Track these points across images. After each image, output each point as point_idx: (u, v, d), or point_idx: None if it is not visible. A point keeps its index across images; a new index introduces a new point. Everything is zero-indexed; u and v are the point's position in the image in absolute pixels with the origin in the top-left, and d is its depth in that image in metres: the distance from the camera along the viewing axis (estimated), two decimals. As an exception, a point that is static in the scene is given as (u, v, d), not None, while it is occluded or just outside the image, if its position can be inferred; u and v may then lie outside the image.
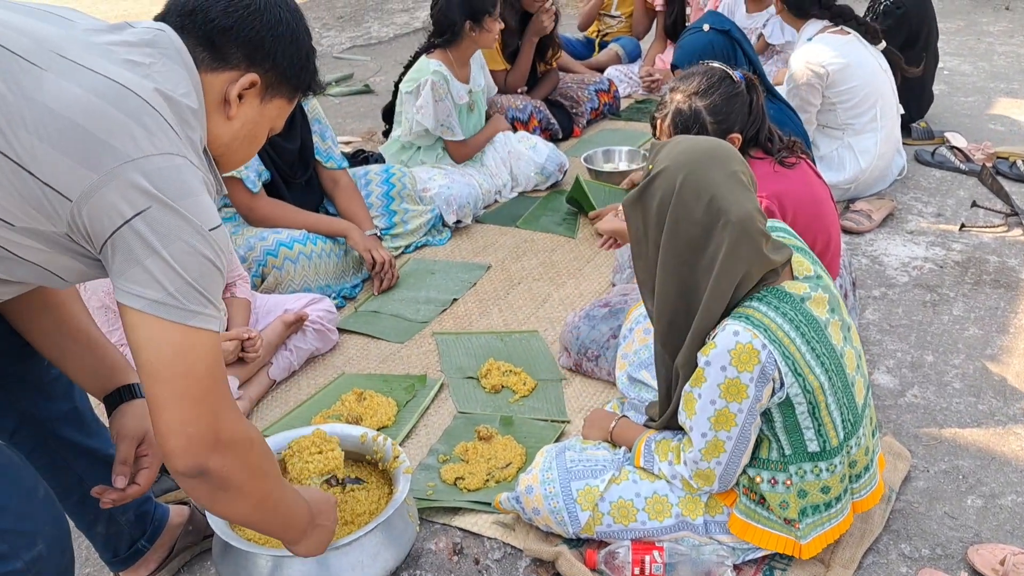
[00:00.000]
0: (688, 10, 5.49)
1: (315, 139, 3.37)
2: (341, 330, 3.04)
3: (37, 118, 1.21)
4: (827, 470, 1.89)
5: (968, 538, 2.12)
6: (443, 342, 3.01)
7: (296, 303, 2.90)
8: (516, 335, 3.02)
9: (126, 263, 1.26)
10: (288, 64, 1.49)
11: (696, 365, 1.86)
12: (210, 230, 1.30)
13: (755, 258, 1.79)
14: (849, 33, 3.79)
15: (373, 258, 3.27)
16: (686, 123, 2.39)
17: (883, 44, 3.88)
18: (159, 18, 1.44)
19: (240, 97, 1.45)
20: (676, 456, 1.97)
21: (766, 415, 1.87)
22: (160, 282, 1.26)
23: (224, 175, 1.53)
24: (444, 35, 3.85)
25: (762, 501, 1.92)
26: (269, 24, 1.45)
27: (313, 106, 3.38)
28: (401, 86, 3.95)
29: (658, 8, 5.48)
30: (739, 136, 2.42)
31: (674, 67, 3.19)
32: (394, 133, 4.09)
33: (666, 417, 2.03)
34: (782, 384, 1.81)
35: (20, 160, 1.21)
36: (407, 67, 4.01)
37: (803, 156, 2.55)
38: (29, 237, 1.27)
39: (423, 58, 3.91)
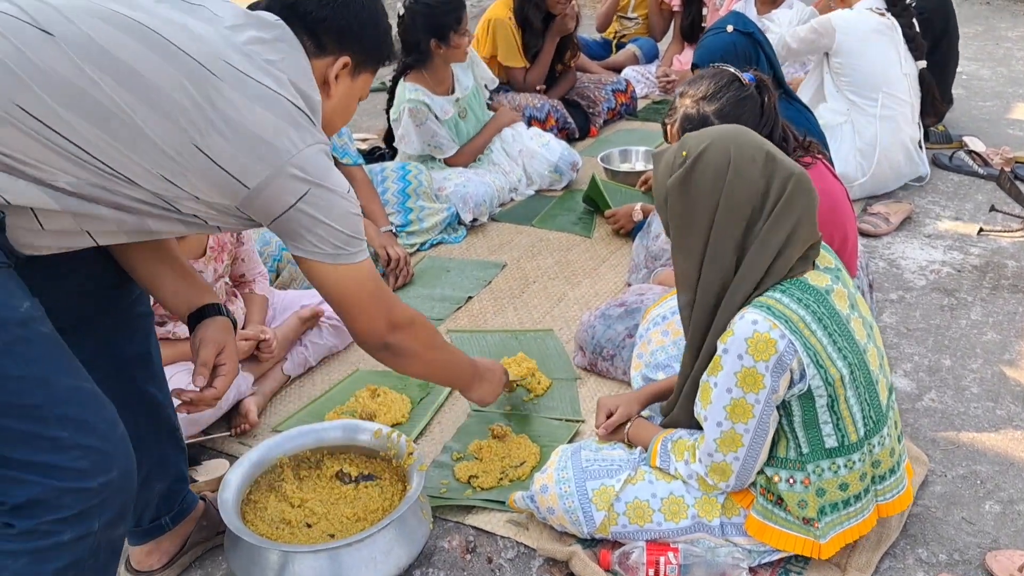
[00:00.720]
0: (704, 11, 5.47)
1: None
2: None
3: (222, 123, 1.50)
4: (845, 466, 1.87)
5: (986, 544, 2.10)
6: (458, 340, 3.00)
7: (312, 299, 2.89)
8: (531, 334, 3.01)
9: (300, 233, 1.64)
10: (372, 44, 1.81)
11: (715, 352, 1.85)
12: (347, 192, 1.68)
13: (806, 214, 1.81)
14: (887, 18, 3.85)
15: (388, 255, 3.27)
16: (695, 128, 2.36)
17: (923, 63, 3.96)
18: (264, 8, 1.71)
19: (336, 77, 1.76)
20: (692, 455, 1.96)
21: (785, 408, 1.85)
22: (332, 241, 1.66)
23: None
24: (411, 55, 3.77)
25: (779, 502, 1.91)
26: (355, 12, 1.76)
27: None
28: (390, 114, 3.93)
29: (675, 9, 5.47)
30: None
31: (694, 66, 3.18)
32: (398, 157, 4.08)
33: (679, 407, 2.01)
34: (802, 375, 1.79)
35: (212, 155, 1.51)
36: (390, 92, 3.94)
37: (819, 156, 2.53)
38: (208, 207, 1.58)
39: (401, 83, 3.84)
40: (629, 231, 3.57)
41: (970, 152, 4.34)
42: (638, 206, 3.53)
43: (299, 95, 1.60)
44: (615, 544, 2.07)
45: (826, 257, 1.93)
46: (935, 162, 4.31)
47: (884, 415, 1.92)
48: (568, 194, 4.11)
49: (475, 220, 3.80)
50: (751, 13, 5.14)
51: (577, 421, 2.56)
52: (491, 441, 2.45)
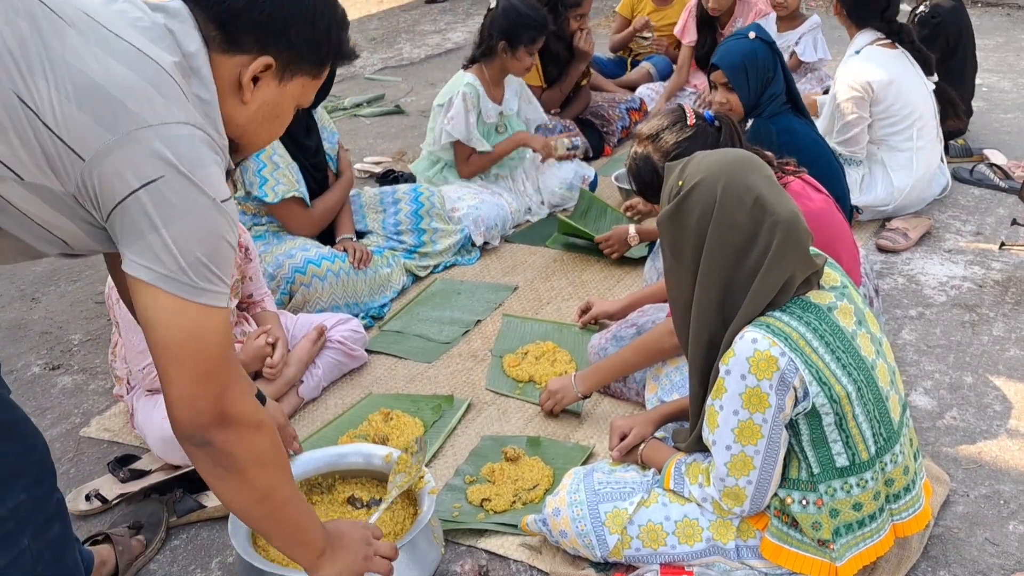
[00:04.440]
0: (720, 41, 5.39)
1: (325, 146, 3.40)
2: (368, 351, 3.03)
3: (57, 70, 1.20)
4: (858, 486, 1.83)
5: (1010, 566, 2.05)
6: (509, 324, 3.18)
7: (325, 321, 2.90)
8: (574, 329, 3.12)
9: (137, 232, 1.25)
10: (304, 44, 1.44)
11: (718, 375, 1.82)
12: (222, 202, 1.30)
13: (801, 259, 1.78)
14: (897, 48, 3.76)
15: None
16: (639, 172, 2.39)
17: (935, 77, 3.87)
18: None
19: (256, 79, 1.41)
20: (706, 478, 1.93)
21: (793, 428, 1.82)
22: (173, 254, 1.25)
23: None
24: (481, 47, 3.88)
25: (794, 523, 1.87)
26: (281, 5, 1.40)
27: (320, 115, 3.40)
28: (435, 100, 3.96)
29: (685, 42, 5.36)
30: None
31: (713, 67, 3.18)
32: (424, 147, 4.08)
33: (694, 437, 1.99)
34: (806, 393, 1.76)
35: (38, 109, 1.20)
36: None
37: (798, 174, 2.49)
38: (35, 194, 1.25)
39: (460, 72, 3.94)
40: (623, 255, 3.54)
41: (991, 165, 4.28)
42: (632, 229, 3.48)
43: (181, 74, 1.30)
44: (629, 568, 2.03)
45: (831, 275, 1.91)
46: (955, 176, 4.25)
47: (896, 432, 1.89)
48: (581, 210, 4.06)
49: (486, 243, 3.79)
50: (771, 30, 5.11)
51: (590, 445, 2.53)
52: (504, 464, 2.42)
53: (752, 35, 3.11)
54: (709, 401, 1.85)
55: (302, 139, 3.23)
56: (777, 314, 1.79)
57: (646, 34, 5.68)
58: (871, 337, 1.89)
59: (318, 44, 1.47)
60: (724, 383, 1.80)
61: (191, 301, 1.28)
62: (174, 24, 1.34)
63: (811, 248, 1.85)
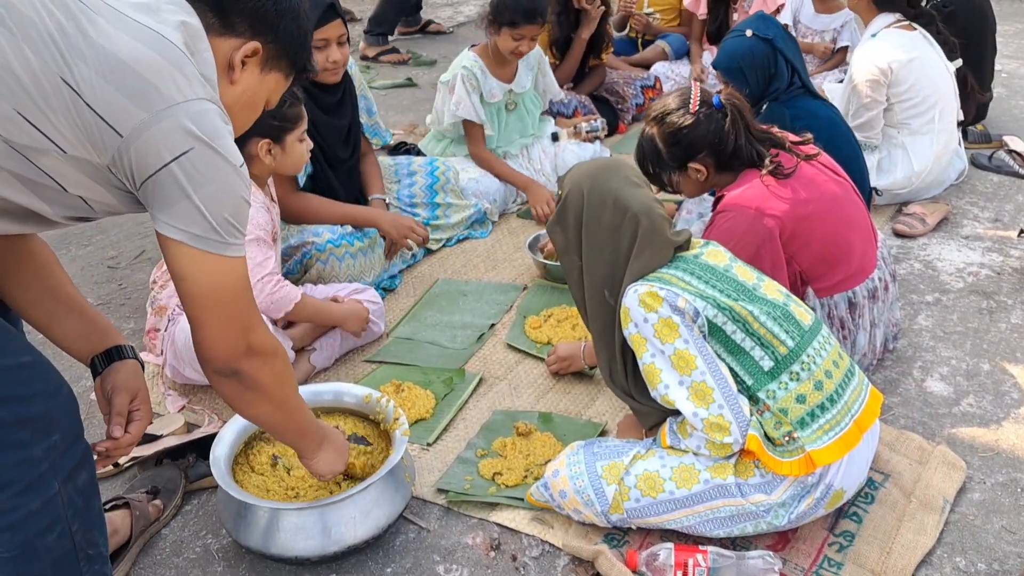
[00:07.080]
0: (735, 16, 5.32)
1: (362, 116, 3.34)
2: (381, 362, 2.87)
3: (94, 55, 1.30)
4: (792, 379, 1.94)
5: (1027, 553, 2.04)
6: (535, 289, 3.21)
7: (343, 292, 2.88)
8: None
9: (170, 199, 1.39)
10: (289, 38, 1.60)
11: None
12: (239, 166, 1.46)
13: (662, 241, 2.00)
14: (915, 29, 3.69)
15: (409, 243, 3.28)
16: (643, 151, 2.43)
17: (959, 61, 3.78)
18: None
19: (243, 63, 1.55)
20: (693, 427, 1.97)
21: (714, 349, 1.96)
22: (205, 217, 1.40)
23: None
24: (484, 23, 3.79)
25: (768, 439, 1.95)
26: None
27: (359, 81, 3.35)
28: (441, 79, 3.90)
29: (701, 17, 5.30)
30: (701, 166, 2.38)
31: (715, 66, 3.13)
32: (429, 124, 4.04)
33: (656, 414, 2.09)
34: (696, 312, 1.92)
35: (79, 90, 1.29)
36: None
37: (813, 157, 2.45)
38: (74, 165, 1.35)
39: (465, 50, 3.87)
40: None
41: (1010, 152, 4.23)
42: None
43: (192, 55, 1.41)
44: (642, 544, 2.03)
45: (695, 242, 2.11)
46: (974, 162, 4.21)
47: (812, 330, 2.01)
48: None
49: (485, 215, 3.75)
50: (807, 12, 5.03)
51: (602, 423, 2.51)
52: (516, 438, 2.41)
53: (749, 32, 3.05)
54: (640, 364, 1.98)
55: (326, 119, 3.11)
56: None
57: (647, 9, 5.57)
58: (751, 269, 2.07)
59: (299, 44, 1.63)
60: (637, 337, 1.96)
61: (219, 255, 1.45)
62: (177, 6, 1.45)
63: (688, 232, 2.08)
